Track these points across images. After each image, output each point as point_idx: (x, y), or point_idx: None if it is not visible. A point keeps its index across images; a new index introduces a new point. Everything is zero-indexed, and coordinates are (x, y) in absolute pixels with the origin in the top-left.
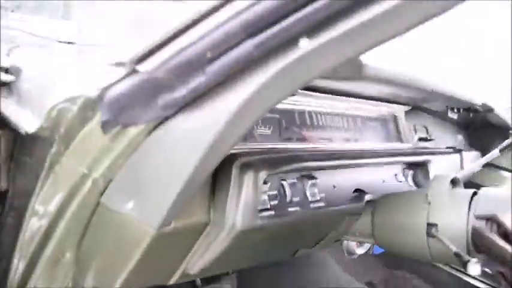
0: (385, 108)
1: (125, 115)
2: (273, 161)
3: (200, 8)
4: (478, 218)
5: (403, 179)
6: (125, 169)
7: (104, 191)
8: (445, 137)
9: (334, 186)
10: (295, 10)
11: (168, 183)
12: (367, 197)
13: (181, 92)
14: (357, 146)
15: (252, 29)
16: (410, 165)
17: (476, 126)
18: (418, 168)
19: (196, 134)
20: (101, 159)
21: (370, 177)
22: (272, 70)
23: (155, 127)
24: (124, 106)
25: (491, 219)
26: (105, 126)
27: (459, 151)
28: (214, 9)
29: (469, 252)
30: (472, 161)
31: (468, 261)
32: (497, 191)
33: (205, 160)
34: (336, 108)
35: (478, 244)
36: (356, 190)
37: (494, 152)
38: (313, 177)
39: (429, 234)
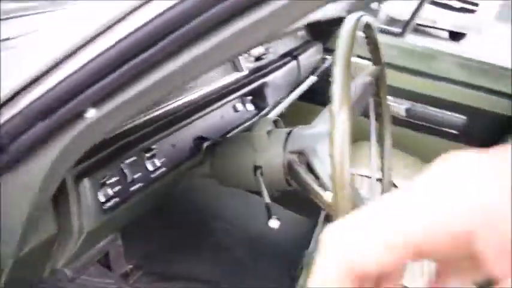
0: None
1: None
2: (107, 159)
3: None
4: (292, 152)
5: (241, 108)
6: None
7: None
8: (286, 39)
9: (174, 146)
10: (80, 92)
11: (8, 227)
12: (206, 144)
13: None
14: (193, 95)
15: (39, 116)
16: (247, 93)
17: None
18: (255, 93)
19: (19, 191)
20: None
21: (208, 122)
22: (64, 141)
23: None
24: None
25: (300, 153)
26: None
27: (295, 57)
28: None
29: (288, 184)
30: (315, 55)
31: (271, 217)
32: (311, 128)
33: (36, 204)
34: None
35: (291, 176)
36: (197, 138)
37: (312, 78)
38: (150, 149)
39: (256, 175)
